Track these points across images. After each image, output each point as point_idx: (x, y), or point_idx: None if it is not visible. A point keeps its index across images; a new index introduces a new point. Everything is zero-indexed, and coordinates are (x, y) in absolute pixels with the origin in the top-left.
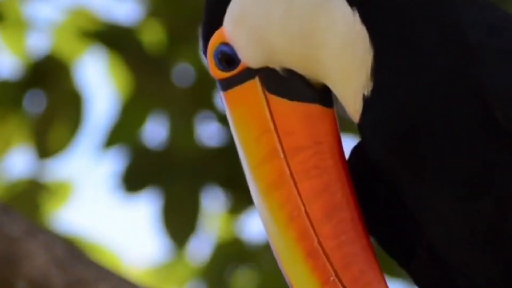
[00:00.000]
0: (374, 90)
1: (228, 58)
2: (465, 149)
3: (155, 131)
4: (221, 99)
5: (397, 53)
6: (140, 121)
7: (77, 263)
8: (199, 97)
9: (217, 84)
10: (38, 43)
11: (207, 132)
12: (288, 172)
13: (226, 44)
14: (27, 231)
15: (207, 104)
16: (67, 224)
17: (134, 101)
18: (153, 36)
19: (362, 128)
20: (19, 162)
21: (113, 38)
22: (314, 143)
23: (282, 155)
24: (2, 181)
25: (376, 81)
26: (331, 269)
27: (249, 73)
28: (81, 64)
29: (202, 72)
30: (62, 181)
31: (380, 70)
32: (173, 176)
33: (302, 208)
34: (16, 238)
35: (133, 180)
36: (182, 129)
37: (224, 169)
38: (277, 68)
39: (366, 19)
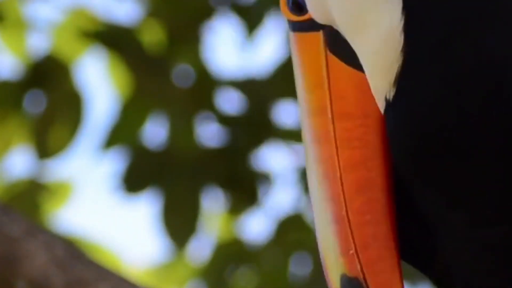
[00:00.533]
0: (394, 98)
1: (298, 4)
2: (489, 173)
3: (155, 131)
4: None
5: (426, 71)
6: (140, 121)
7: (77, 263)
8: (199, 97)
9: (286, 22)
10: (38, 43)
11: (207, 133)
12: (332, 133)
13: None
14: (27, 231)
15: (207, 104)
16: (67, 224)
17: (134, 101)
18: (153, 36)
19: (386, 123)
20: (19, 162)
21: (113, 38)
22: (363, 115)
23: (330, 115)
24: (2, 181)
25: (397, 89)
26: (352, 243)
27: (314, 25)
28: (81, 64)
29: (202, 72)
30: (62, 181)
31: (403, 81)
32: (173, 176)
33: (338, 173)
34: (16, 238)
35: (133, 180)
36: (182, 129)
37: (224, 169)
38: (338, 29)
39: (407, 29)
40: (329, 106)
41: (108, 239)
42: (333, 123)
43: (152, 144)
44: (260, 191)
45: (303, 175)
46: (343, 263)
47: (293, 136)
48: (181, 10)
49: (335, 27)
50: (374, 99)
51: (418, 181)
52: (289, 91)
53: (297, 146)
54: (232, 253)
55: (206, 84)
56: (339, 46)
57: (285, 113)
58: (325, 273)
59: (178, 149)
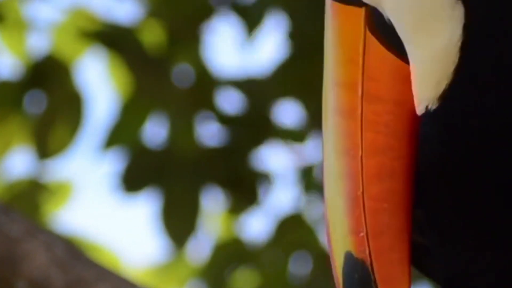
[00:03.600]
0: (436, 111)
1: None
2: None
3: (155, 131)
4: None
5: (474, 96)
6: (140, 121)
7: (77, 263)
8: (199, 97)
9: None
10: (38, 44)
11: (207, 132)
12: (359, 111)
13: None
14: (27, 231)
15: (207, 104)
16: (67, 224)
17: (134, 101)
18: (153, 36)
19: (420, 125)
20: (19, 162)
21: (113, 38)
22: (393, 102)
23: (359, 93)
24: (2, 181)
25: (441, 104)
26: (364, 226)
27: (358, 0)
28: (81, 64)
29: (202, 72)
30: (62, 181)
31: (449, 98)
32: (173, 176)
33: (360, 152)
34: (16, 238)
35: (133, 180)
36: (182, 129)
37: (224, 169)
38: (383, 13)
39: (464, 48)
40: (360, 84)
41: (108, 239)
42: (362, 102)
43: (152, 144)
44: (260, 191)
45: (303, 175)
46: (351, 241)
47: (293, 136)
48: (181, 10)
49: (380, 10)
50: (408, 89)
51: (440, 193)
52: (289, 91)
53: (297, 146)
54: (232, 252)
55: (206, 84)
56: (380, 30)
57: (285, 113)
58: (327, 242)
59: (178, 149)
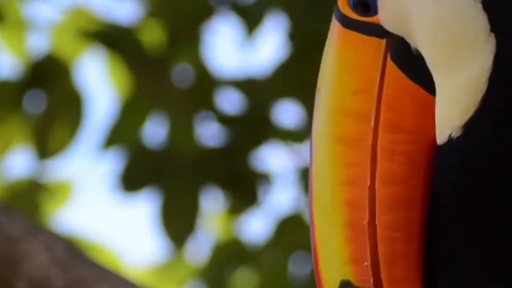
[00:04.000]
0: (458, 139)
1: (365, 3)
2: None
3: (154, 131)
4: (332, 27)
5: (497, 127)
6: (139, 121)
7: (77, 263)
8: (199, 97)
9: (336, 13)
10: (38, 43)
11: (207, 132)
12: (370, 142)
13: None
14: (27, 231)
15: (207, 104)
16: (67, 224)
17: (134, 101)
18: (153, 36)
19: (440, 154)
20: (19, 162)
21: (113, 38)
22: (414, 131)
23: (372, 123)
24: (2, 181)
25: (464, 133)
26: (369, 255)
27: (379, 31)
28: (81, 64)
29: (202, 72)
30: (62, 181)
31: (473, 128)
32: (172, 176)
33: (368, 182)
34: (16, 238)
35: (132, 180)
36: (181, 129)
37: (223, 169)
38: (411, 43)
39: (492, 80)
40: (373, 113)
41: (108, 239)
42: (376, 131)
43: (152, 143)
44: (260, 191)
45: (303, 175)
46: (351, 270)
47: (293, 136)
48: (181, 10)
49: (406, 38)
50: (428, 119)
51: (456, 224)
52: (289, 91)
53: (297, 146)
54: (231, 253)
55: (206, 84)
56: (404, 56)
57: (285, 113)
58: (315, 270)
59: (178, 149)
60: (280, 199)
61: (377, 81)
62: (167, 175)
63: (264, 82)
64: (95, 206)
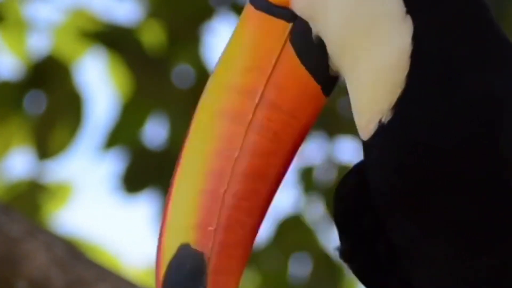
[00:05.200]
0: (391, 122)
1: None
2: (473, 206)
3: (155, 131)
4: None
5: (427, 101)
6: (140, 121)
7: (77, 263)
8: (199, 98)
9: None
10: (38, 44)
11: None
12: (250, 117)
13: None
14: (27, 231)
15: None
16: (67, 225)
17: (134, 101)
18: (153, 36)
19: (367, 148)
20: (20, 162)
21: (113, 38)
22: (291, 113)
23: (257, 100)
24: (3, 181)
25: (396, 114)
26: (215, 222)
27: (288, 15)
28: (82, 64)
29: (202, 73)
30: (62, 181)
31: (404, 106)
32: (173, 176)
33: (236, 154)
34: (16, 238)
35: (133, 181)
36: (182, 129)
37: None
38: (314, 30)
39: (413, 58)
40: (260, 91)
41: (108, 239)
42: (256, 107)
43: (152, 144)
44: None
45: (303, 176)
46: (194, 234)
47: None
48: (181, 10)
49: (311, 24)
50: (310, 106)
51: (402, 209)
52: None
53: None
54: None
55: (205, 84)
56: (305, 44)
57: None
58: (159, 236)
59: (178, 149)
60: (280, 200)
61: (273, 61)
62: (168, 175)
63: None
64: (95, 206)
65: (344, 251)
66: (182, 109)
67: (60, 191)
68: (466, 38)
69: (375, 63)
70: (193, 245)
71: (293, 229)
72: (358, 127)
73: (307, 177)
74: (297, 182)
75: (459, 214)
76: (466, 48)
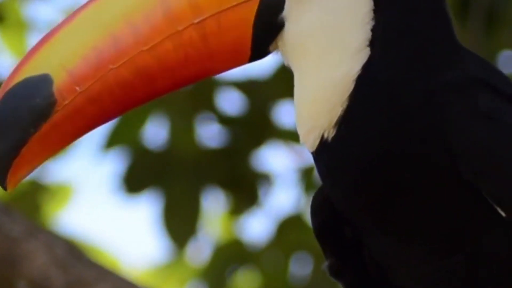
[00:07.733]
0: (335, 141)
1: None
2: (436, 206)
3: (155, 132)
4: None
5: (370, 118)
6: (140, 122)
7: (77, 263)
8: (199, 98)
9: None
10: None
11: (208, 133)
12: (180, 28)
13: None
14: (27, 231)
15: (207, 105)
16: (67, 225)
17: None
18: None
19: (316, 162)
20: None
21: None
22: (211, 54)
23: (196, 21)
24: None
25: (339, 132)
26: (85, 87)
27: None
28: None
29: None
30: (63, 182)
31: (347, 125)
32: (173, 177)
33: (146, 47)
34: (17, 238)
35: (133, 181)
36: (182, 130)
37: (224, 170)
38: (285, 13)
39: (358, 82)
40: (205, 16)
41: (109, 240)
42: (191, 25)
43: (152, 144)
44: (260, 191)
45: (303, 176)
46: (61, 76)
47: (293, 136)
48: None
49: (287, 4)
50: (228, 60)
51: (366, 218)
52: (289, 92)
53: (297, 147)
54: (232, 253)
55: (206, 84)
56: (269, 13)
57: (285, 114)
58: (32, 48)
59: (178, 150)
60: (280, 199)
61: (235, 3)
62: (168, 176)
63: (265, 83)
64: (96, 207)
65: (331, 266)
66: (182, 110)
67: (60, 192)
68: (414, 64)
69: (320, 81)
70: (54, 85)
71: (293, 229)
72: (299, 132)
73: (307, 177)
74: (297, 182)
75: (421, 216)
76: (413, 72)
